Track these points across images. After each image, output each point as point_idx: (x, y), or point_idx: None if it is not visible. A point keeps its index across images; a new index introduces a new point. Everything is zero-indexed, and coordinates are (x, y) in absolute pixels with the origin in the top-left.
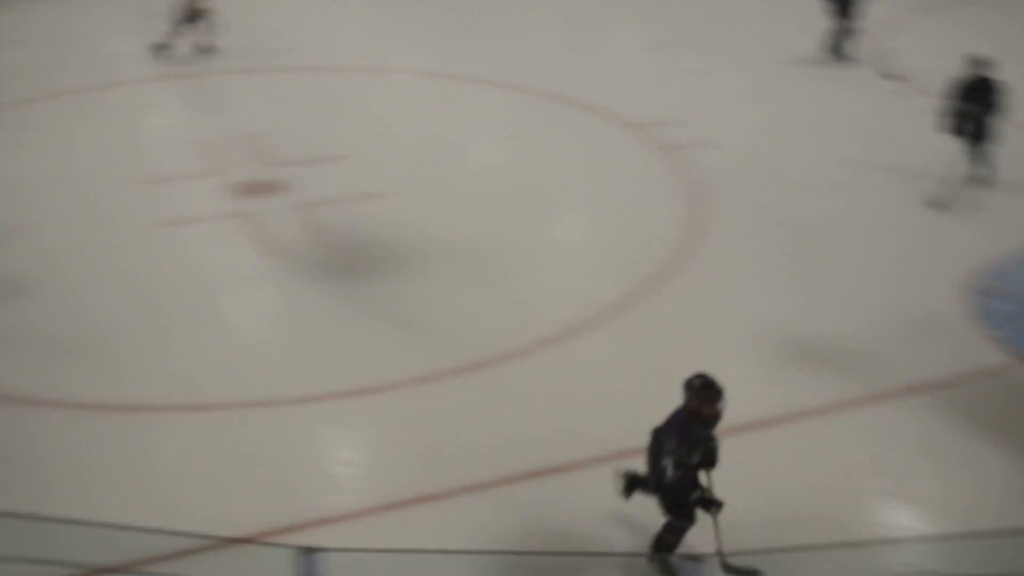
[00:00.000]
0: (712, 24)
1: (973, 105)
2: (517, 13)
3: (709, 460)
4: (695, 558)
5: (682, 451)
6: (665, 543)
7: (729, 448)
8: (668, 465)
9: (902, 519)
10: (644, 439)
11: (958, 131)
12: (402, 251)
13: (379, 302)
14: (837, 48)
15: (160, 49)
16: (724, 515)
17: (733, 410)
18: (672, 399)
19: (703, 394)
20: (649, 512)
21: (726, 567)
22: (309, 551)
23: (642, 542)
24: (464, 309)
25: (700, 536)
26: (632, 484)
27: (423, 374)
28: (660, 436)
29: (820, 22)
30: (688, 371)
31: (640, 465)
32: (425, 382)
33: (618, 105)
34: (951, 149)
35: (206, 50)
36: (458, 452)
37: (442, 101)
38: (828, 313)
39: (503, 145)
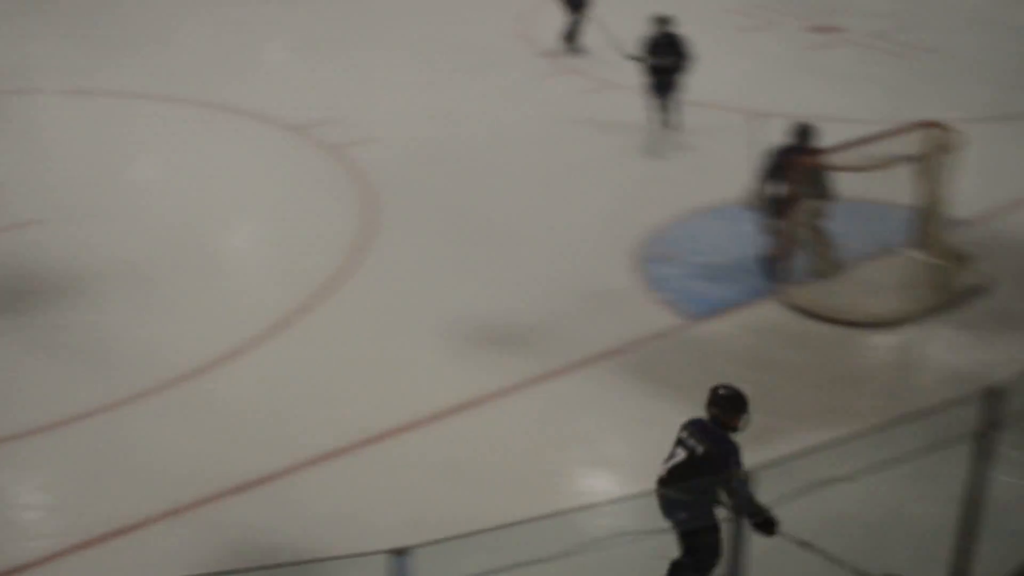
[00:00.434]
0: (368, 21)
1: (663, 59)
2: (159, 23)
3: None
4: None
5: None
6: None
7: (424, 438)
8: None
9: (596, 484)
10: (351, 438)
11: (653, 87)
12: (66, 279)
13: (46, 334)
14: (571, 38)
15: None
16: (428, 508)
17: (424, 400)
18: (368, 394)
19: (731, 404)
20: (364, 508)
21: None
22: None
23: (356, 545)
24: (141, 332)
25: None
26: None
27: (102, 403)
28: (700, 470)
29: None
30: (377, 365)
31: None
32: (105, 411)
33: (275, 109)
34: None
35: None
36: (150, 479)
37: (92, 119)
38: (507, 295)
39: (163, 159)
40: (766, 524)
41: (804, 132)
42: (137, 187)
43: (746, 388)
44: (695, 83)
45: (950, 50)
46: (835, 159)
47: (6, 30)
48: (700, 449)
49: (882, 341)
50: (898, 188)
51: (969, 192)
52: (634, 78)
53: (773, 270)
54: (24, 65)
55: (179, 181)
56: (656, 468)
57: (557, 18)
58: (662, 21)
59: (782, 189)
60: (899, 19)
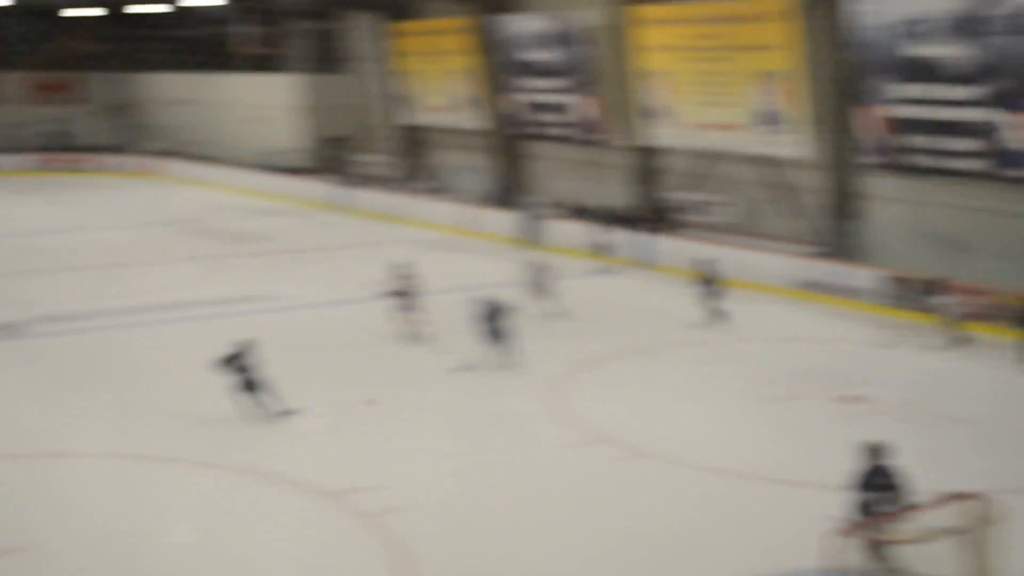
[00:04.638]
0: (400, 389)
1: None
2: (198, 384)
3: None
4: None
5: None
6: None
7: None
8: None
9: None
10: None
11: None
12: None
13: None
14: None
15: None
16: None
17: None
18: None
19: None
20: None
21: None
22: None
23: None
24: None
25: None
26: None
27: None
28: None
29: None
30: None
31: None
32: None
33: (310, 475)
34: None
35: None
36: None
37: (126, 483)
38: None
39: (196, 525)
40: None
41: (877, 451)
42: (169, 553)
43: None
44: (724, 451)
45: (979, 420)
46: (881, 532)
47: (44, 394)
48: None
49: None
50: (942, 561)
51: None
52: (663, 446)
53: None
54: (60, 429)
55: (212, 548)
56: None
57: (588, 395)
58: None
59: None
60: (925, 389)
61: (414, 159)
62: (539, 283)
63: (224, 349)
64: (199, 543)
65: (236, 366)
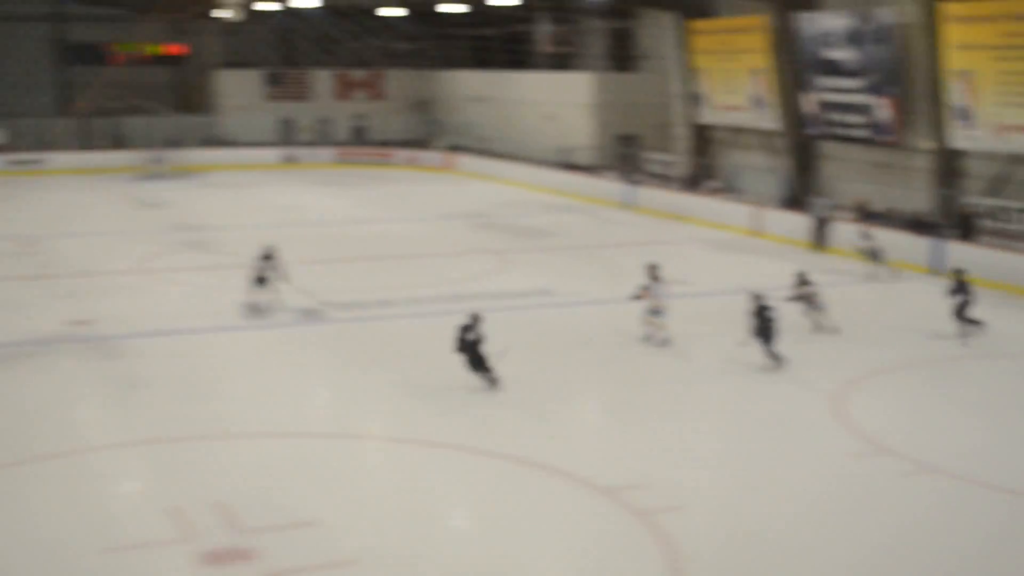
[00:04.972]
0: (679, 388)
1: None
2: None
3: None
4: None
5: None
6: None
7: None
8: None
9: None
10: None
11: None
12: None
13: None
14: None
15: None
16: None
17: None
18: None
19: None
20: None
21: None
22: None
23: None
24: None
25: None
26: None
27: None
28: None
29: None
30: None
31: None
32: None
33: (585, 469)
34: None
35: None
36: None
37: (409, 467)
38: None
39: (472, 512)
40: None
41: None
42: (450, 538)
43: None
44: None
45: None
46: None
47: (335, 376)
48: None
49: None
50: None
51: None
52: (948, 461)
53: None
54: (349, 410)
55: (488, 536)
56: None
57: (868, 404)
58: None
59: None
60: None
61: (704, 158)
62: (809, 293)
63: (503, 341)
64: (475, 530)
65: (469, 337)
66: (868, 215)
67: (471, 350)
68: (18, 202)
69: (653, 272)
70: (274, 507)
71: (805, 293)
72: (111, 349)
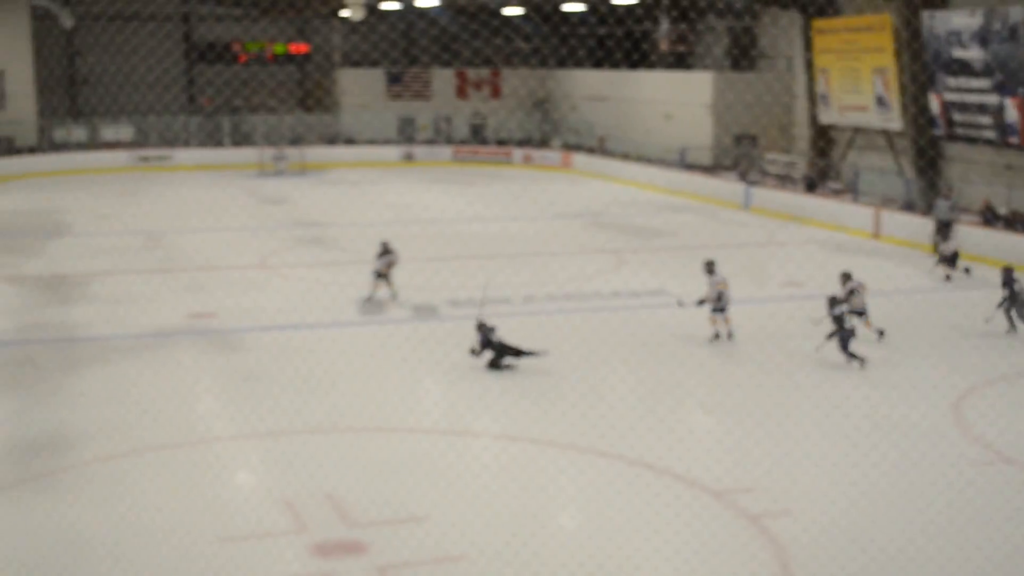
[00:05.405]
0: (795, 392)
1: None
2: (596, 376)
3: None
4: None
5: None
6: None
7: None
8: None
9: None
10: None
11: None
12: None
13: None
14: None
15: None
16: None
17: None
18: None
19: None
20: None
21: None
22: None
23: None
24: None
25: None
26: None
27: None
28: None
29: None
30: None
31: None
32: None
33: (697, 472)
34: None
35: None
36: None
37: (520, 465)
38: None
39: (585, 512)
40: None
41: None
42: (555, 536)
43: None
44: None
45: None
46: None
47: (448, 373)
48: None
49: None
50: None
51: None
52: None
53: None
54: (459, 407)
55: (597, 536)
56: None
57: (987, 412)
58: None
59: None
60: None
61: (824, 159)
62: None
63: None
64: (584, 529)
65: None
66: (993, 217)
67: (499, 348)
68: (144, 197)
69: (709, 268)
70: (385, 502)
71: (852, 288)
72: (230, 342)
